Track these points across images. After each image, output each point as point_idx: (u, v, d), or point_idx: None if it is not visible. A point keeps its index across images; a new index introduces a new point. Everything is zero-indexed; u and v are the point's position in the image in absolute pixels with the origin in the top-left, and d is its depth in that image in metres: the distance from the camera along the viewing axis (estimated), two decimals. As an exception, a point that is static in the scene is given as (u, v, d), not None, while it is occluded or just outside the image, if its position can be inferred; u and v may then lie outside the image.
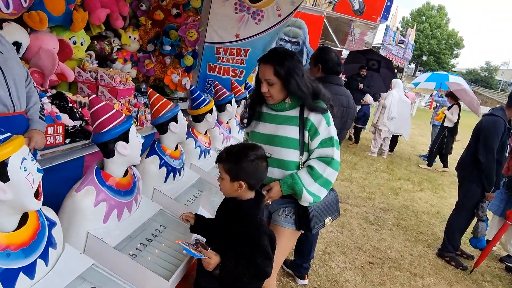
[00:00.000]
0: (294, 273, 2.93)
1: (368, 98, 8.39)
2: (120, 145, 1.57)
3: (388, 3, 8.48)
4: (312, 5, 6.89)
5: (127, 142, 1.59)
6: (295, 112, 1.85)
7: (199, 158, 2.66)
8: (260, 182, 1.59)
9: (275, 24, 4.56)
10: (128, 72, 4.36)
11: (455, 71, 45.01)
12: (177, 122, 2.12)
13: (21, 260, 1.10)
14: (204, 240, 1.66)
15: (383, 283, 3.12)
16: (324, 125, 1.81)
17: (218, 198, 2.43)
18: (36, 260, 1.15)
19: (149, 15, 4.70)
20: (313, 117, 1.80)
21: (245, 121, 2.00)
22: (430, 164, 7.98)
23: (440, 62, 44.78)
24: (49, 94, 2.99)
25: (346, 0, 6.83)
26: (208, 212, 2.18)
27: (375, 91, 8.90)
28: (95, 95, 1.65)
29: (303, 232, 1.98)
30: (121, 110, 3.51)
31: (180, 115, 2.15)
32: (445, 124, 7.51)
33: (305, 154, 1.85)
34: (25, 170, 1.04)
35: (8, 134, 1.05)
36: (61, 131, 2.73)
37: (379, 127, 7.93)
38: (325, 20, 7.41)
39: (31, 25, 3.12)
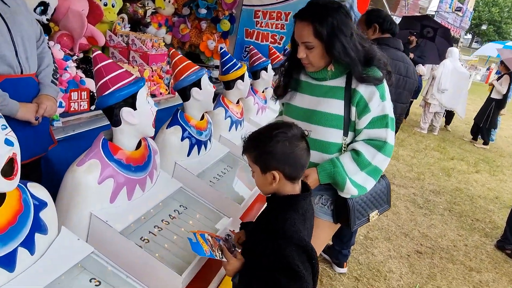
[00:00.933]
0: (332, 260, 2.66)
1: (421, 68, 7.64)
2: (125, 112, 1.32)
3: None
4: (363, -36, 6.22)
5: (135, 108, 1.34)
6: (340, 82, 1.48)
7: (229, 130, 2.39)
8: (301, 168, 1.18)
9: (321, -17, 4.09)
10: (162, 37, 4.13)
11: (517, 42, 41.10)
12: (200, 88, 1.84)
13: (-7, 250, 0.89)
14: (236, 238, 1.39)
15: (433, 276, 2.77)
16: (377, 100, 1.43)
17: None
18: (16, 248, 0.95)
19: (185, -25, 4.40)
20: (363, 89, 1.43)
21: (279, 91, 1.65)
22: (485, 143, 7.24)
23: (501, 32, 40.99)
24: (75, 57, 2.83)
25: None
26: (237, 194, 1.94)
27: (428, 62, 8.12)
28: (99, 52, 1.40)
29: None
30: (152, 76, 3.32)
31: (205, 80, 1.87)
32: (492, 96, 6.78)
33: (350, 134, 1.50)
34: None
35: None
36: (85, 97, 2.56)
37: (428, 101, 7.25)
38: (376, -19, 6.73)
39: (58, -16, 2.93)
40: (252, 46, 3.17)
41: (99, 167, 1.29)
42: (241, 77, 2.37)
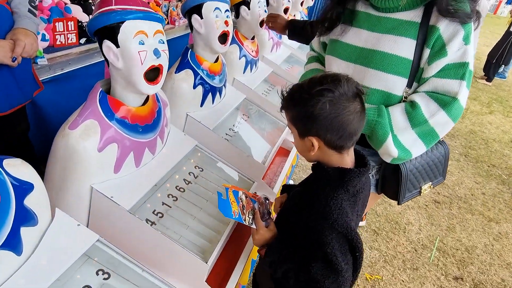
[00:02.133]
0: (350, 212, 2.51)
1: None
2: (105, 46, 1.01)
3: None
4: None
5: (117, 46, 1.01)
6: (415, 15, 1.12)
7: (244, 72, 2.07)
8: (350, 136, 0.91)
9: None
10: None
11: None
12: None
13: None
14: (272, 204, 1.17)
15: (453, 228, 2.66)
16: (459, 42, 1.08)
17: (271, 127, 1.91)
18: (-4, 253, 0.71)
19: None
20: (444, 26, 1.08)
21: (326, 24, 1.27)
22: (489, 79, 6.91)
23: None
24: (57, -21, 2.37)
25: None
26: (257, 148, 1.69)
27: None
28: None
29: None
30: (148, 3, 2.87)
31: (209, 6, 1.48)
32: (511, 29, 6.29)
33: (415, 85, 1.18)
34: None
35: None
36: (73, 28, 2.18)
37: None
38: None
39: None
40: None
41: (99, 130, 1.00)
42: (245, 2, 1.97)
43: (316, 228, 0.88)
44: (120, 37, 0.98)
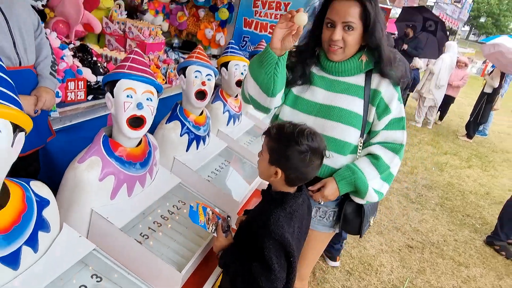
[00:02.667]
0: (325, 254, 2.71)
1: (417, 61, 7.64)
2: (106, 96, 1.33)
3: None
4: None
5: (113, 96, 1.32)
6: (359, 80, 1.42)
7: (227, 124, 2.40)
8: (304, 181, 1.24)
9: (321, -26, 4.05)
10: (159, 25, 4.09)
11: (515, 36, 41.10)
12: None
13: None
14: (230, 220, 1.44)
15: (423, 270, 2.84)
16: (396, 102, 1.40)
17: (248, 172, 2.19)
18: (20, 247, 0.96)
19: (183, -39, 4.34)
20: (384, 90, 1.39)
21: (289, 75, 1.48)
22: (469, 136, 7.32)
23: (499, 25, 40.92)
24: (71, 46, 2.79)
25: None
26: (234, 189, 1.96)
27: (426, 56, 8.14)
28: (136, 49, 1.42)
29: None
30: (149, 66, 3.29)
31: (191, 69, 1.86)
32: (484, 90, 6.83)
33: (365, 136, 1.45)
34: None
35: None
36: (82, 87, 2.55)
37: (423, 95, 7.29)
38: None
39: (54, -31, 2.88)
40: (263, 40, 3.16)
41: (100, 164, 1.30)
42: (225, 65, 2.36)
43: (258, 235, 1.15)
44: (115, 90, 1.31)
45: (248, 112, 2.84)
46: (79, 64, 2.67)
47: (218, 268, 1.44)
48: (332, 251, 2.66)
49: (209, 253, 1.48)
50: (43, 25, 1.87)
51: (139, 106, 1.32)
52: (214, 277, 1.41)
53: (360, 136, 1.44)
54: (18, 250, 0.96)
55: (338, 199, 1.51)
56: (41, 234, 1.04)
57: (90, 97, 2.59)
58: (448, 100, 7.73)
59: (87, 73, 2.67)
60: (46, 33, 1.84)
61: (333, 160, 1.42)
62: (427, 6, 15.89)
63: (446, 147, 6.46)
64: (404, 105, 7.95)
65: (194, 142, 1.92)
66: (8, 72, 0.94)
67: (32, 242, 1.01)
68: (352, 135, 1.42)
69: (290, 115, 1.49)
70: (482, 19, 41.17)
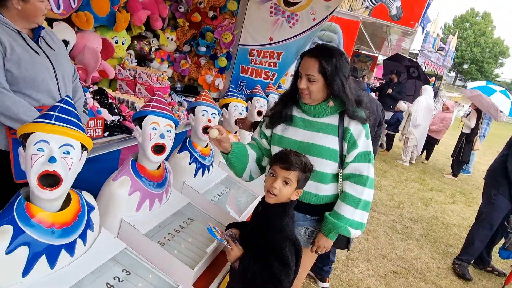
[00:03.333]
0: (316, 276, 2.96)
1: (401, 104, 8.23)
2: (135, 128, 1.68)
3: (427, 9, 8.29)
4: (348, 10, 6.84)
5: (141, 128, 1.67)
6: (334, 120, 1.71)
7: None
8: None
9: (309, 28, 4.61)
10: (164, 72, 4.53)
11: (498, 81, 42.98)
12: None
13: (63, 238, 1.21)
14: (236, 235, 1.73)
15: (407, 292, 3.08)
16: (363, 138, 1.69)
17: (245, 197, 2.51)
18: (76, 239, 1.27)
19: (187, 17, 4.87)
20: (353, 127, 1.68)
21: (269, 121, 1.83)
22: (454, 174, 7.71)
23: (483, 71, 42.90)
24: (91, 89, 3.18)
25: (384, 5, 6.74)
26: (234, 211, 2.26)
27: (411, 100, 8.79)
28: (159, 92, 1.80)
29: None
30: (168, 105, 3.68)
31: (199, 108, 2.24)
32: (463, 131, 7.32)
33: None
34: (37, 150, 1.12)
35: (68, 126, 1.18)
36: (100, 125, 2.90)
37: (406, 135, 7.83)
38: (361, 25, 7.34)
39: (78, 24, 3.34)
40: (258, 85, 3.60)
41: (129, 182, 1.62)
42: (226, 106, 2.75)
43: (277, 240, 1.47)
44: (143, 124, 1.67)
45: (245, 147, 3.19)
46: (98, 105, 3.05)
47: (223, 270, 1.73)
48: (322, 273, 2.91)
49: (214, 259, 1.76)
50: (77, 76, 2.26)
51: (162, 136, 1.66)
52: (220, 277, 1.70)
53: (339, 167, 1.73)
54: (74, 241, 1.26)
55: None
56: (89, 232, 1.34)
57: (106, 134, 2.94)
58: (432, 141, 8.22)
59: (104, 113, 3.04)
60: (79, 79, 2.22)
61: (317, 188, 1.73)
62: (412, 54, 16.91)
63: (431, 184, 6.81)
64: (391, 143, 8.44)
65: (200, 170, 2.25)
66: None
67: (83, 237, 1.31)
68: (329, 167, 1.70)
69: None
70: (465, 66, 43.04)
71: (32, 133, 1.13)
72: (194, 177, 2.21)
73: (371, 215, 4.61)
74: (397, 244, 3.99)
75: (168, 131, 1.72)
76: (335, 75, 1.63)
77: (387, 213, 4.85)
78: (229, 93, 2.82)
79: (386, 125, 8.50)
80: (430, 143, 8.28)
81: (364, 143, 1.70)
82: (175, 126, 1.79)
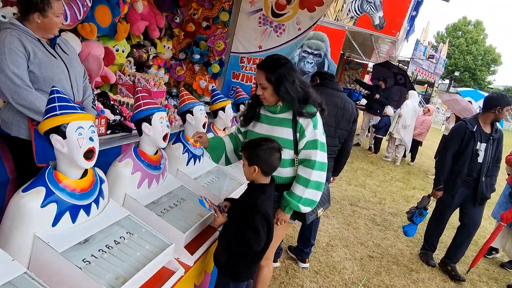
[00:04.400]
0: (297, 257, 3.30)
1: (388, 109, 8.66)
2: (144, 125, 2.03)
3: (413, 15, 8.74)
4: (335, 20, 7.26)
5: (150, 124, 2.03)
6: (288, 115, 2.04)
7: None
8: (273, 169, 1.90)
9: (295, 37, 4.99)
10: (161, 77, 4.90)
11: (491, 88, 43.67)
12: (192, 115, 2.56)
13: (83, 200, 1.56)
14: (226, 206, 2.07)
15: (379, 273, 3.42)
16: (311, 128, 2.00)
17: (231, 184, 2.86)
18: (91, 203, 1.61)
19: (182, 27, 5.24)
20: (302, 120, 2.00)
21: (243, 121, 2.20)
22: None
23: (476, 78, 43.54)
24: (95, 92, 3.54)
25: (367, 15, 7.17)
26: (221, 194, 2.61)
27: (396, 105, 9.25)
28: (141, 88, 2.13)
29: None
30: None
31: (197, 109, 2.58)
32: (444, 133, 7.80)
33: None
34: (79, 135, 1.48)
35: (80, 111, 1.53)
36: (104, 123, 3.24)
37: (393, 135, 8.47)
38: (349, 34, 7.75)
39: (83, 34, 3.71)
40: (238, 87, 3.95)
41: (132, 164, 1.97)
42: (222, 108, 3.11)
43: (248, 212, 1.82)
44: (153, 121, 2.02)
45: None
46: (101, 106, 3.40)
47: (212, 238, 2.08)
48: (302, 254, 3.25)
49: (205, 229, 2.12)
50: (87, 77, 2.59)
51: (168, 126, 2.07)
52: (209, 242, 2.05)
53: (295, 154, 2.07)
54: (90, 204, 1.61)
55: None
56: (100, 199, 1.69)
57: (108, 132, 3.28)
58: (416, 144, 8.70)
59: (107, 113, 3.39)
60: (88, 79, 2.56)
61: (279, 171, 2.06)
62: (403, 62, 17.42)
63: (415, 183, 7.18)
64: (379, 146, 8.83)
65: (192, 159, 2.60)
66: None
67: (97, 202, 1.66)
68: (286, 154, 2.02)
69: None
70: (457, 73, 43.66)
71: (67, 124, 1.48)
72: (187, 165, 2.57)
73: (353, 210, 4.97)
74: (375, 234, 4.34)
75: (167, 121, 2.10)
76: (279, 82, 1.97)
77: (369, 208, 5.20)
78: (222, 96, 3.18)
79: (374, 129, 8.91)
80: (413, 145, 8.72)
81: (312, 133, 2.01)
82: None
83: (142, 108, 2.05)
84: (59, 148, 1.47)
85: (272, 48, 5.08)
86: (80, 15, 3.60)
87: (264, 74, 1.99)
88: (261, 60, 2.08)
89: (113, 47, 4.22)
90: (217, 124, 3.19)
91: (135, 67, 4.72)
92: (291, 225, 2.34)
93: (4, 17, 2.90)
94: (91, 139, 1.54)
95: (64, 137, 1.47)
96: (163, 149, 2.34)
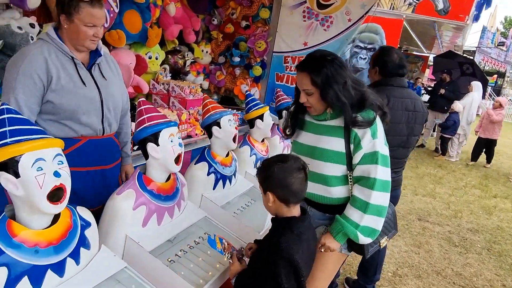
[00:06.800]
0: (358, 295, 2.69)
1: (456, 105, 7.59)
2: (150, 146, 1.58)
3: (481, 1, 7.66)
4: (390, 8, 6.49)
5: (157, 144, 1.59)
6: (339, 122, 1.63)
7: (254, 166, 2.60)
8: (294, 194, 1.39)
9: (345, 29, 4.41)
10: (199, 84, 4.54)
11: None
12: (220, 127, 2.09)
13: (50, 257, 1.14)
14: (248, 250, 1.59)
15: (465, 315, 2.70)
16: (369, 138, 1.57)
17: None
18: (65, 258, 1.19)
19: (220, 28, 4.89)
20: (358, 129, 1.58)
21: (288, 131, 1.83)
22: None
23: (554, 64, 38.96)
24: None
25: (429, 0, 6.30)
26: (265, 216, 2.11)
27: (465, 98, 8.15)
28: (143, 99, 1.71)
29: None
30: (189, 119, 3.66)
31: (225, 120, 2.11)
32: None
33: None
34: (37, 170, 1.06)
35: (41, 136, 1.10)
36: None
37: (457, 132, 7.60)
38: (406, 24, 6.92)
39: (111, 42, 3.42)
40: (278, 88, 3.44)
41: (134, 196, 1.54)
42: (260, 117, 2.61)
43: (269, 256, 1.30)
44: (160, 139, 1.58)
45: (276, 156, 3.04)
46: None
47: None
48: (363, 292, 2.64)
49: (224, 284, 1.62)
50: (129, 105, 2.09)
51: (181, 145, 1.63)
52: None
53: (349, 170, 1.61)
54: (64, 261, 1.19)
55: None
56: (82, 250, 1.26)
57: (135, 148, 2.93)
58: (489, 144, 7.57)
59: (133, 127, 3.05)
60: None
61: (326, 190, 1.64)
62: (468, 51, 15.79)
63: (495, 190, 6.13)
64: (446, 147, 7.85)
65: (221, 181, 2.13)
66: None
67: (75, 255, 1.23)
68: (335, 170, 1.62)
69: None
70: (533, 60, 39.33)
71: (20, 156, 1.06)
72: (213, 189, 2.10)
73: (423, 226, 4.21)
74: (454, 258, 3.57)
75: (179, 138, 1.64)
76: (327, 86, 1.55)
77: (442, 224, 4.39)
78: (257, 103, 2.69)
79: (441, 128, 7.89)
80: (487, 146, 7.59)
81: (370, 143, 1.58)
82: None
83: (146, 124, 1.61)
84: (11, 190, 1.06)
85: (319, 44, 4.52)
86: (107, 22, 3.32)
87: (307, 76, 1.57)
88: (302, 60, 1.64)
89: (146, 54, 3.93)
90: (254, 135, 2.70)
91: (170, 74, 4.40)
92: (345, 257, 1.82)
93: (20, 28, 2.66)
94: (56, 174, 1.10)
95: (16, 175, 1.05)
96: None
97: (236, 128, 2.16)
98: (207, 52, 4.88)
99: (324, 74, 1.54)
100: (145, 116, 1.62)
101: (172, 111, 3.65)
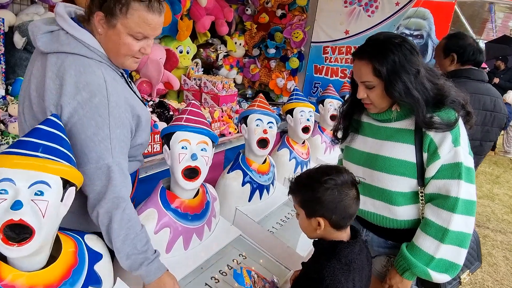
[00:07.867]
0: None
1: (509, 95, 6.87)
2: (164, 149, 1.34)
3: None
4: (440, -10, 5.91)
5: (169, 148, 1.33)
6: (409, 124, 1.30)
7: (294, 171, 2.31)
8: (349, 217, 1.12)
9: (392, 14, 4.01)
10: (232, 78, 4.30)
11: None
12: (246, 125, 1.82)
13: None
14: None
15: None
16: (449, 145, 1.23)
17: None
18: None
19: (254, 19, 4.62)
20: (434, 133, 1.25)
21: (339, 134, 1.52)
22: None
23: None
24: (151, 102, 3.03)
25: (484, -21, 5.69)
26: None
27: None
28: (194, 101, 1.46)
29: None
30: (222, 117, 3.41)
31: (251, 118, 1.83)
32: None
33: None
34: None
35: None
36: (158, 140, 2.70)
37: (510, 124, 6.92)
38: (457, 6, 6.31)
39: (139, 37, 3.22)
40: (330, 84, 3.16)
41: (156, 216, 1.30)
42: (290, 112, 2.32)
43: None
44: (171, 142, 1.33)
45: (317, 158, 2.72)
46: (156, 119, 2.86)
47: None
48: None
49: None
50: None
51: (193, 157, 1.31)
52: None
53: (420, 185, 1.28)
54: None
55: None
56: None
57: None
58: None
59: (162, 127, 2.84)
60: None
61: (390, 210, 1.32)
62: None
63: None
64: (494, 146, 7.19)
65: (257, 192, 1.86)
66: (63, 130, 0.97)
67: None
68: (402, 185, 1.30)
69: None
70: None
71: None
72: (249, 201, 1.83)
73: (483, 234, 3.75)
74: (524, 273, 3.12)
75: (202, 149, 1.36)
76: (394, 76, 1.22)
77: (506, 231, 3.91)
78: (293, 97, 2.40)
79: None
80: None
81: (450, 152, 1.24)
82: (213, 143, 1.42)
83: (172, 122, 1.37)
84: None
85: (362, 32, 4.13)
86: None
87: (368, 65, 1.25)
88: (361, 45, 1.32)
89: (176, 48, 3.72)
90: (293, 136, 2.39)
91: (202, 69, 4.18)
92: None
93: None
94: (16, 205, 0.81)
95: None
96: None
97: (265, 131, 1.83)
98: (240, 44, 4.63)
99: (391, 62, 1.21)
100: (178, 116, 1.38)
101: (205, 108, 3.43)
